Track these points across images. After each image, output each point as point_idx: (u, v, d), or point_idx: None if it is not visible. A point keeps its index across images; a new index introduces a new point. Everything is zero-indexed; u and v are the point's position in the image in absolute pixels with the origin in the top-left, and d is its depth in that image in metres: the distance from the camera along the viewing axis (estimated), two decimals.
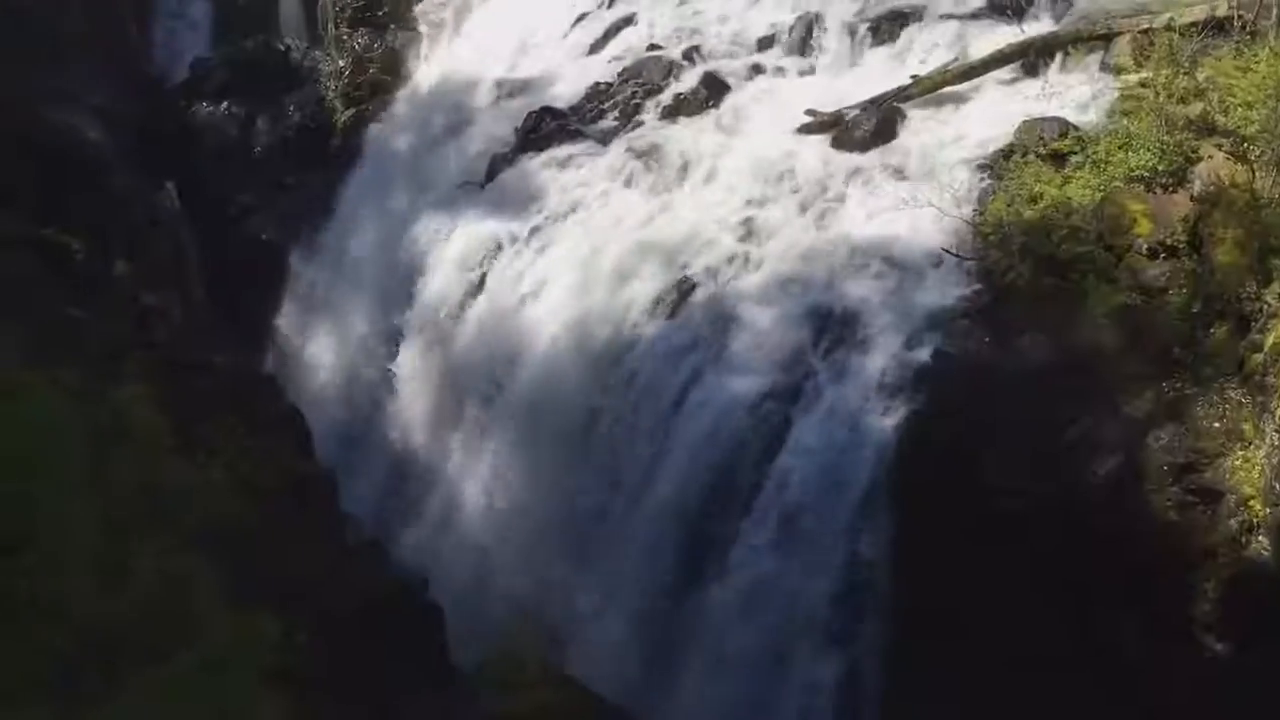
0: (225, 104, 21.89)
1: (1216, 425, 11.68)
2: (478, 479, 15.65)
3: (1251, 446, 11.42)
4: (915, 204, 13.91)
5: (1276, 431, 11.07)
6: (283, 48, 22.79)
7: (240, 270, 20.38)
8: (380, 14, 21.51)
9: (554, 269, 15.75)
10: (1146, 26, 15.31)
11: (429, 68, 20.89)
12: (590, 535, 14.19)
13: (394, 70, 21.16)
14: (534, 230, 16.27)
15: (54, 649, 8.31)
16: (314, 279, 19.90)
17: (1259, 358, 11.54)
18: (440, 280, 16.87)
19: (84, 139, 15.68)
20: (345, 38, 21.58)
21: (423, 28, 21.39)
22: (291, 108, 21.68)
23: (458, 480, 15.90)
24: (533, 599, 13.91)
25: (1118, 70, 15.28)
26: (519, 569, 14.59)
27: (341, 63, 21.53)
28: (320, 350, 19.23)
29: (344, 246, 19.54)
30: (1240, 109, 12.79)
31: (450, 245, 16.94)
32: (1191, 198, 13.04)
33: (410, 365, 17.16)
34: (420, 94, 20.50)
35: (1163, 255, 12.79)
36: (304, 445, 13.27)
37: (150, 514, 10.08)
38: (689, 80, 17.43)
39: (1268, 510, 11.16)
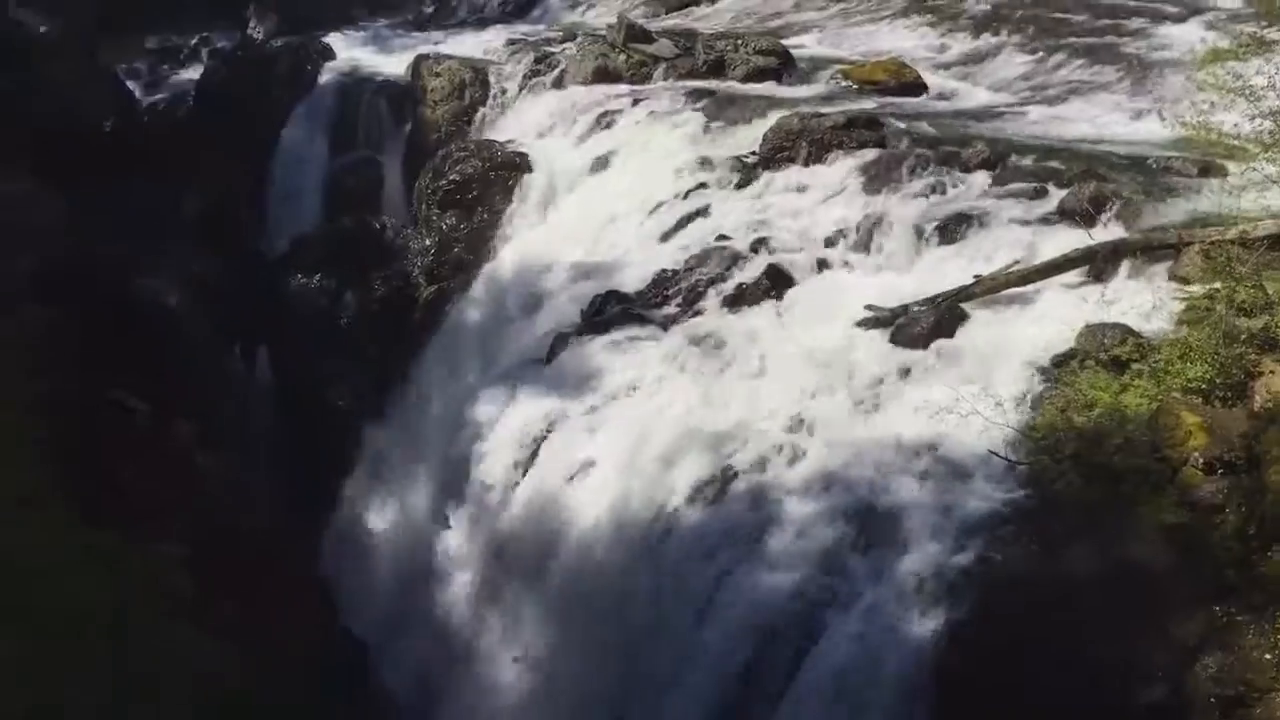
0: (318, 276, 23.00)
1: (1268, 657, 10.90)
2: (512, 659, 15.45)
3: None
4: (961, 412, 13.60)
5: None
6: (379, 225, 23.92)
7: (315, 437, 21.02)
8: (470, 196, 22.39)
9: (602, 451, 15.79)
10: (1216, 238, 15.06)
11: (511, 249, 21.58)
12: None
13: (477, 250, 21.95)
14: (587, 411, 16.40)
15: None
16: (383, 450, 20.32)
17: None
18: (494, 456, 17.01)
19: (165, 306, 16.56)
20: (435, 217, 22.53)
21: (509, 211, 22.19)
22: (379, 283, 22.65)
23: (493, 659, 15.72)
24: None
25: (1184, 280, 14.99)
26: None
27: (428, 241, 22.47)
28: (379, 521, 19.50)
29: (413, 419, 19.99)
30: None
31: (506, 422, 17.16)
32: (1250, 413, 12.59)
33: (460, 540, 17.22)
34: (500, 274, 21.15)
35: (1219, 471, 12.24)
36: (331, 618, 13.30)
37: (159, 683, 10.19)
38: (753, 270, 17.60)
39: None
